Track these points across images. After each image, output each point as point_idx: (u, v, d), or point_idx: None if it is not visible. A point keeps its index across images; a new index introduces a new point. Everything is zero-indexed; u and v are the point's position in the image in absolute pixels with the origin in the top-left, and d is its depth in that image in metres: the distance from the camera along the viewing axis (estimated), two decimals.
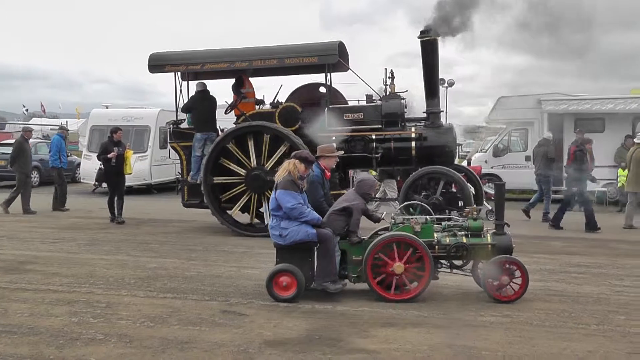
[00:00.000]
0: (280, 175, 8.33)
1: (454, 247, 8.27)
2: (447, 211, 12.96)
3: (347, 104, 14.33)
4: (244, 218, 14.06)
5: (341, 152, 9.51)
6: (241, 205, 13.84)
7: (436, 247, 8.27)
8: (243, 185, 13.74)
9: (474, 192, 13.64)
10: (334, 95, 14.18)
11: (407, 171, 13.81)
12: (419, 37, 13.19)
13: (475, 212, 8.61)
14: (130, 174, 17.18)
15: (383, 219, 9.03)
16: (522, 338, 6.67)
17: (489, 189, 18.23)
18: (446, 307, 7.81)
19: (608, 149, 20.22)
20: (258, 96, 15.17)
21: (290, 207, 8.01)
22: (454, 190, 13.44)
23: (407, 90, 13.83)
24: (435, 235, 8.37)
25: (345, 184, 15.49)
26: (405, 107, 13.74)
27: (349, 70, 14.13)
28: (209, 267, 10.15)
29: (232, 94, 14.87)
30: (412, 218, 8.58)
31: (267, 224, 13.31)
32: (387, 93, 13.76)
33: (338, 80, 14.55)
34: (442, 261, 8.49)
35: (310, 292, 8.26)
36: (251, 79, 15.11)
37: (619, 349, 6.41)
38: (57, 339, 6.40)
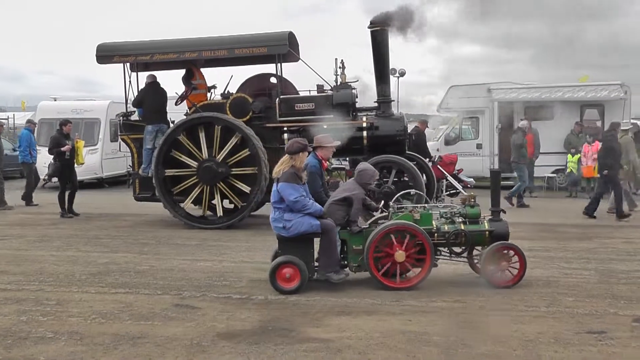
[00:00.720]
0: (280, 168, 8.30)
1: (453, 234, 8.42)
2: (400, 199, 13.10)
3: (298, 94, 14.32)
4: (197, 210, 13.97)
5: (338, 143, 9.56)
6: (193, 197, 13.75)
7: (435, 234, 8.39)
8: (195, 177, 13.63)
9: (426, 181, 13.79)
10: (285, 86, 14.15)
11: (357, 161, 13.88)
12: (369, 27, 13.28)
13: (472, 200, 8.72)
14: (82, 164, 16.96)
15: (381, 208, 9.08)
16: (473, 322, 6.81)
17: (464, 177, 18.56)
18: (399, 294, 7.89)
19: (557, 136, 20.59)
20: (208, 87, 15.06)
21: (293, 200, 8.02)
22: (406, 178, 13.55)
23: (357, 80, 13.89)
24: (434, 222, 8.50)
25: None
26: (356, 97, 13.79)
27: (300, 60, 14.16)
28: (162, 261, 10.08)
29: (183, 86, 14.74)
30: (411, 207, 8.69)
31: (219, 216, 13.52)
32: (338, 83, 13.79)
33: (291, 70, 14.57)
34: (441, 248, 8.60)
35: (264, 283, 8.30)
36: (202, 70, 14.98)
37: (567, 329, 6.58)
38: (5, 339, 6.29)
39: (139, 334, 6.34)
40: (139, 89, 14.75)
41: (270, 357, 5.69)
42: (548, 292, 8.09)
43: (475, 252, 8.85)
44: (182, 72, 14.82)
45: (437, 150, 22.49)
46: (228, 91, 14.45)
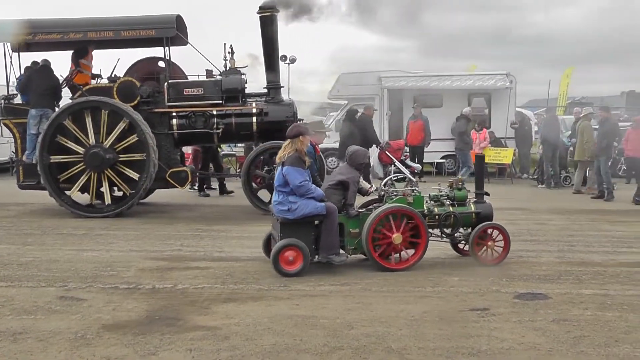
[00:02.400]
0: (284, 152, 8.43)
1: (445, 216, 8.85)
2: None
3: (187, 79, 14.18)
4: (84, 198, 13.64)
5: (331, 129, 9.64)
6: (80, 185, 13.37)
7: (427, 217, 8.74)
8: (82, 164, 13.24)
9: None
10: (174, 70, 13.99)
11: (251, 147, 13.93)
12: (257, 13, 13.26)
13: (460, 183, 9.20)
14: None
15: (372, 191, 9.25)
16: (360, 304, 6.97)
17: (411, 163, 18.90)
18: (286, 279, 8.01)
19: (446, 123, 21.23)
20: (95, 70, 14.71)
21: (298, 184, 8.16)
22: None
23: (247, 66, 13.88)
24: (425, 205, 8.84)
25: (184, 160, 15.46)
26: (246, 82, 13.79)
27: (188, 44, 14.04)
28: (46, 252, 9.81)
29: (71, 63, 14.30)
30: (404, 190, 8.89)
31: (107, 204, 13.24)
32: (227, 68, 13.75)
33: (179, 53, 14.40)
34: (431, 230, 8.88)
35: (152, 272, 8.27)
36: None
37: (451, 307, 6.87)
38: None
39: (20, 329, 6.17)
40: (22, 71, 14.23)
41: (157, 347, 5.68)
42: (434, 272, 8.37)
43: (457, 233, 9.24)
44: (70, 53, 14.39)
45: (328, 137, 22.72)
46: (115, 75, 14.12)
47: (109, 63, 14.43)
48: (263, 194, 13.65)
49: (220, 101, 13.50)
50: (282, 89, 14.21)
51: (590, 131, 17.38)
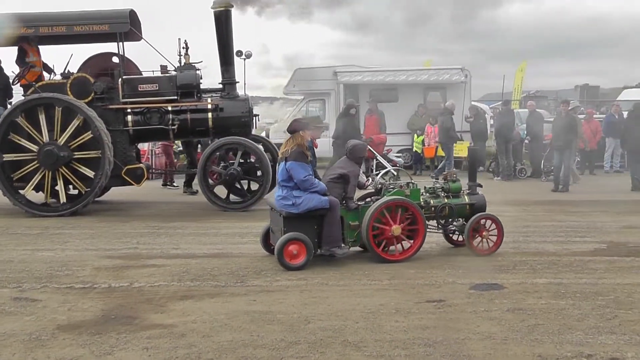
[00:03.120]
0: (287, 148, 8.52)
1: (441, 207, 9.09)
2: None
3: (142, 74, 14.05)
4: (39, 197, 13.40)
5: (327, 124, 9.69)
6: (35, 183, 13.14)
7: (423, 208, 8.93)
8: (36, 162, 13.02)
9: (272, 162, 13.95)
10: (128, 66, 13.83)
11: (206, 143, 13.86)
12: (212, 7, 13.19)
13: (454, 175, 9.47)
14: None
15: (369, 185, 9.35)
16: (317, 298, 7.00)
17: (393, 157, 18.94)
18: (242, 275, 8.01)
19: (402, 117, 21.37)
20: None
21: (302, 178, 8.29)
22: (252, 160, 13.66)
23: (202, 61, 13.83)
24: (421, 197, 9.06)
25: (140, 157, 15.33)
26: (201, 78, 13.72)
27: (142, 39, 13.91)
28: (0, 252, 9.66)
29: (18, 67, 14.06)
30: (401, 183, 9.10)
31: (62, 202, 13.04)
32: (182, 64, 13.66)
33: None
34: (428, 221, 9.01)
35: (108, 271, 8.20)
36: (40, 47, 14.30)
37: (408, 299, 6.92)
38: None
39: None
40: None
41: (113, 346, 5.63)
42: (391, 265, 8.42)
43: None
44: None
45: (285, 132, 22.70)
46: (68, 70, 13.90)
47: (62, 59, 14.25)
48: (219, 191, 13.62)
49: (176, 97, 13.41)
50: (237, 84, 14.14)
51: (580, 124, 17.97)
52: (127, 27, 13.27)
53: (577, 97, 38.05)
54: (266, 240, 9.16)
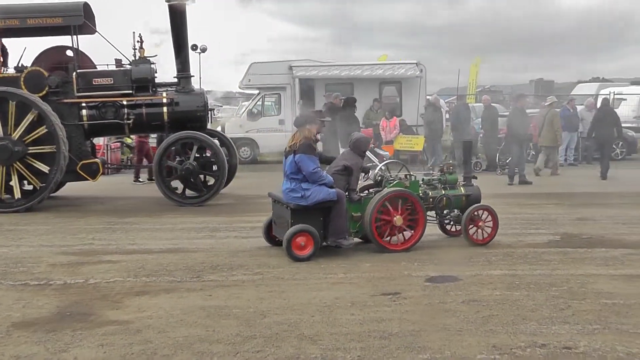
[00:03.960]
0: (295, 141, 8.61)
1: (439, 198, 9.34)
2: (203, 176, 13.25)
3: (96, 68, 13.91)
4: None
5: (329, 119, 9.77)
6: None
7: (423, 199, 9.18)
8: None
9: (228, 157, 13.93)
10: (82, 60, 13.70)
11: (162, 137, 13.79)
12: (166, 1, 13.08)
13: (451, 167, 9.76)
14: None
15: (368, 177, 9.59)
16: (273, 292, 7.02)
17: (380, 151, 18.94)
18: (198, 270, 8.01)
19: (357, 111, 21.44)
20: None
21: (312, 171, 8.43)
22: (208, 155, 13.62)
23: (156, 55, 13.75)
24: (420, 189, 9.33)
25: (95, 152, 15.18)
26: (156, 72, 13.63)
27: (97, 32, 13.76)
28: None
29: None
30: (401, 175, 9.40)
31: (17, 198, 12.85)
32: (137, 57, 13.55)
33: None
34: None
35: (63, 267, 8.14)
36: None
37: (363, 292, 6.98)
38: None
39: None
40: None
41: (68, 344, 5.58)
42: (346, 259, 8.49)
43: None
44: None
45: (240, 126, 22.81)
46: (22, 64, 13.73)
47: (16, 52, 14.05)
48: (175, 185, 13.57)
49: (131, 91, 13.32)
50: (192, 78, 14.09)
51: (559, 119, 18.46)
52: (81, 20, 13.14)
53: (532, 91, 38.61)
54: (268, 232, 9.37)
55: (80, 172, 13.30)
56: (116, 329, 5.95)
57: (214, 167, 13.58)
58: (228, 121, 23.06)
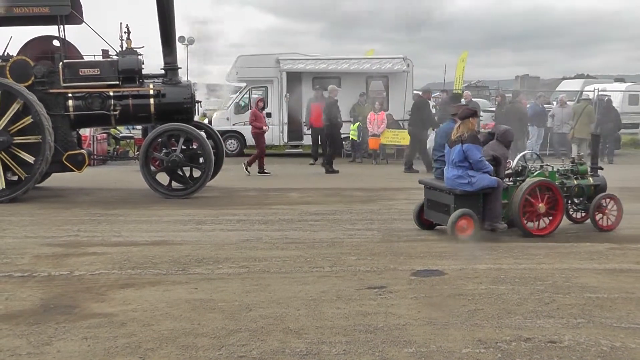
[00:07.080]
0: (459, 132, 9.26)
1: (575, 187, 10.07)
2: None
3: (83, 58, 13.82)
4: None
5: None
6: None
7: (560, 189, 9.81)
8: None
9: (214, 149, 13.87)
10: (69, 50, 13.59)
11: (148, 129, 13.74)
12: None
13: (581, 159, 10.53)
14: None
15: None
16: (258, 286, 7.01)
17: None
18: (184, 263, 7.98)
19: (345, 105, 21.50)
20: None
21: (478, 159, 9.13)
22: (194, 147, 13.58)
23: (143, 46, 13.68)
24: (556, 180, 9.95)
25: (81, 143, 15.09)
26: (143, 63, 13.56)
27: (84, 23, 13.66)
28: None
29: None
30: (544, 165, 10.13)
31: (1, 189, 12.73)
32: (124, 48, 13.48)
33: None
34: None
35: (48, 259, 8.08)
36: None
37: (349, 286, 6.98)
38: None
39: None
40: None
41: (51, 337, 5.54)
42: (332, 252, 8.49)
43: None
44: None
45: (227, 119, 22.78)
46: (8, 53, 13.61)
47: (1, 41, 13.93)
48: (161, 177, 13.51)
49: (117, 82, 13.26)
50: (179, 70, 14.03)
51: (593, 113, 19.91)
52: (68, 9, 13.09)
53: (518, 87, 38.76)
54: (419, 216, 10.10)
55: (66, 162, 13.23)
56: (100, 321, 5.92)
57: (201, 160, 13.53)
58: (215, 114, 22.99)
